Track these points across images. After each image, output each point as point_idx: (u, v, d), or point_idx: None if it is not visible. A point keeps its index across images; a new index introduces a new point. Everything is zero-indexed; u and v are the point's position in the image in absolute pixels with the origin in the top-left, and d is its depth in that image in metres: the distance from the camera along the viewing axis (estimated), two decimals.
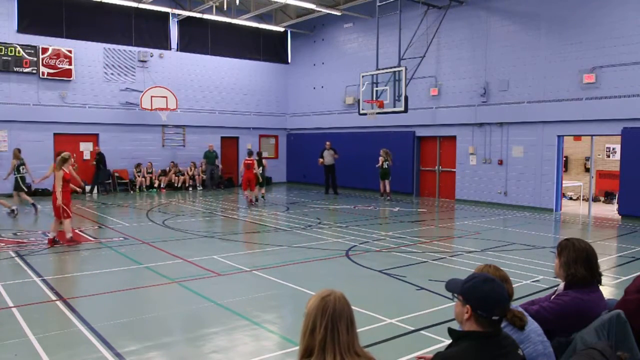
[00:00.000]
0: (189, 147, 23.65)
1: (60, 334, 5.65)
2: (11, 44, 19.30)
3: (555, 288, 3.80)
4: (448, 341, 2.80)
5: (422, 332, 5.72)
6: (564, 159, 18.80)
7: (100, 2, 19.89)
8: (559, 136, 16.39)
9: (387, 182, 19.55)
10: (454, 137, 19.28)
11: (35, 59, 19.72)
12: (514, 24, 17.23)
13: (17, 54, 19.38)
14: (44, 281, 7.71)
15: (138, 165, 21.99)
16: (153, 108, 21.45)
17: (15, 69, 19.37)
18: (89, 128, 21.21)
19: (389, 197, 19.36)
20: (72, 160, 11.48)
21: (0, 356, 5.04)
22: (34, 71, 19.77)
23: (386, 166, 19.32)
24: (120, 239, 11.27)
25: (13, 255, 9.53)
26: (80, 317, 6.13)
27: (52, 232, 10.62)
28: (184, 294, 7.39)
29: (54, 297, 6.92)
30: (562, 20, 15.97)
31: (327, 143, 21.77)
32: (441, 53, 19.25)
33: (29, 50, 19.65)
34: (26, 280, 7.82)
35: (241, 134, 25.13)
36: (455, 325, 2.77)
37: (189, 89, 23.49)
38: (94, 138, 21.52)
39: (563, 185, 17.37)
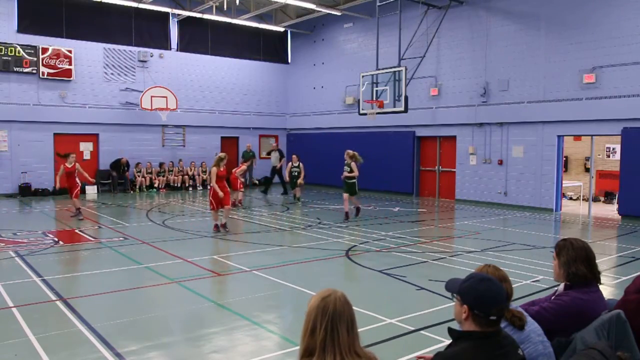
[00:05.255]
0: (189, 147, 23.65)
1: (60, 334, 5.65)
2: (11, 44, 19.30)
3: (556, 288, 3.80)
4: (448, 341, 2.80)
5: (422, 332, 5.73)
6: (564, 159, 18.80)
7: (100, 2, 19.89)
8: (559, 136, 16.39)
9: (354, 198, 14.58)
10: (454, 137, 19.28)
11: (35, 59, 19.72)
12: (514, 24, 17.23)
13: (17, 54, 19.37)
14: (44, 281, 7.71)
15: (137, 165, 22.00)
16: (153, 108, 21.45)
17: (15, 69, 19.36)
18: (89, 128, 21.21)
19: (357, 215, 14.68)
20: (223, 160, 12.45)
21: (0, 356, 5.04)
22: (34, 71, 19.76)
23: (349, 172, 14.24)
24: (120, 239, 11.27)
25: (13, 255, 9.53)
26: (80, 317, 6.13)
27: (216, 220, 12.41)
28: (184, 294, 7.39)
29: (54, 297, 6.92)
30: (562, 20, 15.97)
31: (274, 144, 21.86)
32: (441, 53, 19.25)
33: (29, 50, 19.64)
34: (26, 280, 7.82)
35: (241, 134, 25.13)
36: (455, 325, 2.77)
37: (189, 89, 23.50)
38: (94, 138, 21.52)
39: (563, 185, 17.37)
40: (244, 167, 17.71)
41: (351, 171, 14.18)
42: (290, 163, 18.75)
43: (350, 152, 14.42)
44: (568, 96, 15.86)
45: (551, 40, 16.24)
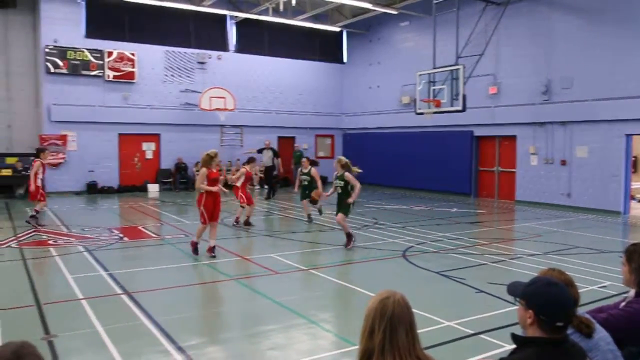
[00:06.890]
0: (247, 147, 24.02)
1: (126, 327, 5.88)
2: (80, 48, 20.23)
3: (625, 295, 3.64)
4: (508, 346, 2.73)
5: (481, 335, 5.61)
6: (633, 158, 17.91)
7: (161, 6, 20.53)
8: (627, 135, 15.64)
9: (341, 218, 10.42)
10: (514, 137, 18.74)
11: (101, 62, 20.59)
12: (577, 19, 16.56)
13: (84, 58, 20.29)
14: (110, 275, 8.05)
15: (197, 165, 22.58)
16: (212, 108, 21.96)
17: (83, 72, 20.30)
18: (151, 128, 21.95)
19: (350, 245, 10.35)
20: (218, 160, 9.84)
21: (70, 344, 5.30)
22: (100, 74, 20.64)
23: (342, 187, 10.58)
24: (181, 235, 11.60)
25: (82, 250, 10.00)
26: (144, 310, 6.36)
27: (198, 237, 9.71)
28: (241, 291, 7.54)
29: (119, 291, 7.21)
30: (629, 14, 15.21)
31: (267, 142, 21.21)
32: (500, 50, 18.75)
33: (96, 54, 20.53)
34: (94, 274, 8.19)
35: (298, 134, 25.30)
36: (518, 330, 2.69)
37: (247, 90, 23.88)
38: (156, 138, 22.25)
39: (632, 186, 16.56)
40: (243, 170, 13.29)
41: (347, 185, 10.47)
42: (300, 169, 14.04)
43: (343, 159, 10.76)
44: (636, 93, 15.10)
45: (618, 35, 15.50)
